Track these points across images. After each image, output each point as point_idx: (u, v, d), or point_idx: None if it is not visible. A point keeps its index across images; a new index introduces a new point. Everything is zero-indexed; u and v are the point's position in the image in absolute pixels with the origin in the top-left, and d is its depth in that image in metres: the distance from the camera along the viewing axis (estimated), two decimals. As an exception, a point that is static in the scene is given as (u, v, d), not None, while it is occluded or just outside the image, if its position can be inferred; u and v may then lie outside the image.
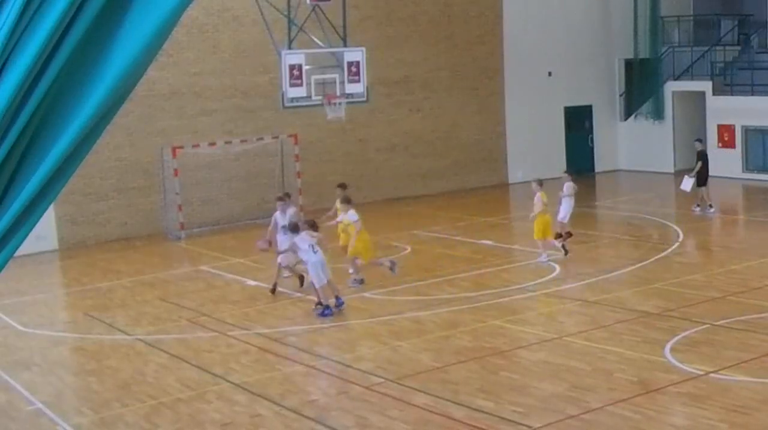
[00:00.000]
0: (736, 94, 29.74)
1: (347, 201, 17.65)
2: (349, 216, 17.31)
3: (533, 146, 31.03)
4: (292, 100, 20.52)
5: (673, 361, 12.20)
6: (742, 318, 13.98)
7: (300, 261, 16.43)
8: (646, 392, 11.10)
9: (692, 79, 31.46)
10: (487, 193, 29.61)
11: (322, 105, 20.91)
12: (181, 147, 24.33)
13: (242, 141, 25.59)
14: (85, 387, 13.03)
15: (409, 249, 20.96)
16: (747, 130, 29.56)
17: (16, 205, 5.30)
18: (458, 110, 30.10)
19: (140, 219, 24.83)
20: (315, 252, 15.43)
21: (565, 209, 20.06)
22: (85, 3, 5.12)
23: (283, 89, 20.43)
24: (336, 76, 20.76)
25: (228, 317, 15.99)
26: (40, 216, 5.50)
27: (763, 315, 14.06)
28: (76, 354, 14.84)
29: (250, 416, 11.21)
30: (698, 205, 23.80)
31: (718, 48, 31.65)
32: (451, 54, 29.77)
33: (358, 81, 20.99)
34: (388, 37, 28.29)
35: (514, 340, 13.81)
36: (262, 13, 21.19)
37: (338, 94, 20.79)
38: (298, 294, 17.13)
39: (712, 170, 24.82)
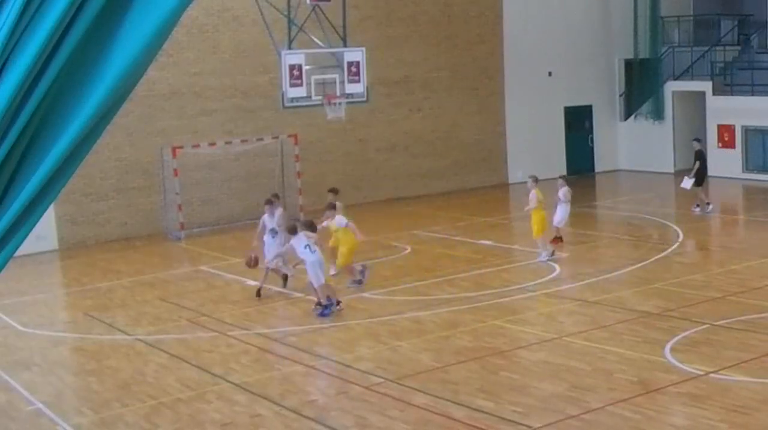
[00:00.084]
0: (736, 94, 29.73)
1: (332, 207, 17.59)
2: (337, 221, 17.29)
3: (533, 146, 31.02)
4: (292, 100, 20.52)
5: (673, 361, 12.19)
6: (742, 318, 13.98)
7: (300, 261, 16.44)
8: (646, 392, 11.10)
9: (692, 79, 31.45)
10: (487, 193, 29.60)
11: (322, 105, 20.91)
12: (181, 147, 24.33)
13: (242, 141, 25.59)
14: (85, 387, 13.02)
15: (409, 249, 20.97)
16: (747, 131, 29.56)
17: (16, 205, 5.31)
18: (458, 110, 30.09)
19: (140, 219, 24.83)
20: (312, 252, 15.44)
21: (561, 215, 20.13)
22: (85, 3, 5.12)
23: (283, 89, 20.44)
24: (336, 76, 20.77)
25: (228, 317, 15.99)
26: (40, 216, 5.50)
27: (763, 315, 14.06)
28: (76, 354, 14.84)
29: (250, 416, 11.21)
30: (698, 206, 23.80)
31: (718, 48, 31.65)
32: (451, 54, 29.77)
33: (358, 81, 20.99)
34: (388, 37, 28.28)
35: (514, 340, 13.81)
36: (262, 13, 21.20)
37: (338, 94, 20.80)
38: (299, 294, 17.13)
39: (712, 170, 24.82)
